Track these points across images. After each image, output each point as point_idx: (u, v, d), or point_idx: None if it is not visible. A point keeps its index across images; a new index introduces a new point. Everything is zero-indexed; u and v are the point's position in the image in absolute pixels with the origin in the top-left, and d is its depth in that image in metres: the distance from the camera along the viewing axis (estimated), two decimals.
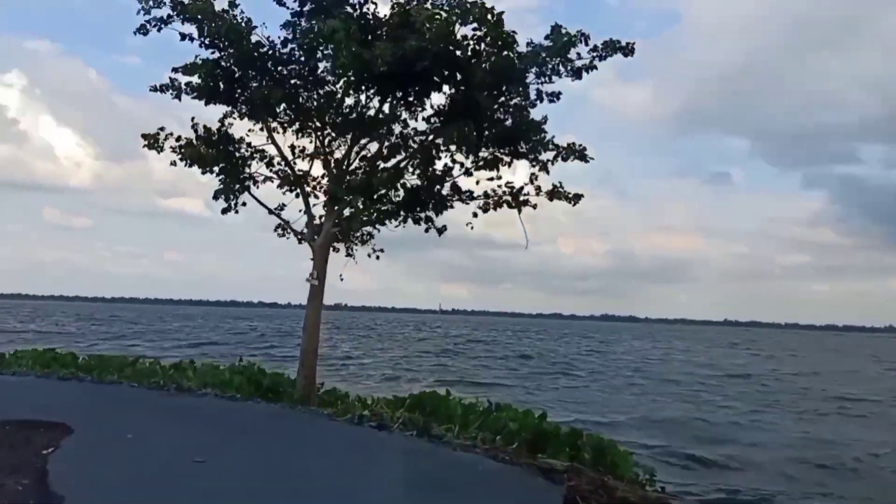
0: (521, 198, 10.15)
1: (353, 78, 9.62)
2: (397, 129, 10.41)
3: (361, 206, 10.83)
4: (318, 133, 11.28)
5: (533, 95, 9.81)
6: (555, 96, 9.90)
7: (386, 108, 10.58)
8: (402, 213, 10.54)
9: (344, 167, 10.86)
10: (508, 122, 9.89)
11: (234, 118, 11.35)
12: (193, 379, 12.14)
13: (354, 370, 32.98)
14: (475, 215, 10.36)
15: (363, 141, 11.08)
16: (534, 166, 10.16)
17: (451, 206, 10.58)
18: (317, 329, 11.63)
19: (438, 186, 10.31)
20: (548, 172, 10.20)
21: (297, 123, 11.24)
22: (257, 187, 11.71)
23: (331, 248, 11.39)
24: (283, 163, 11.60)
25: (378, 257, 12.15)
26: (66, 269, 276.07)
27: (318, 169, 11.74)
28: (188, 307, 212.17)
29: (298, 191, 11.61)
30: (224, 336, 61.34)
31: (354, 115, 10.75)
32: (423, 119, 10.22)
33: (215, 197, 11.44)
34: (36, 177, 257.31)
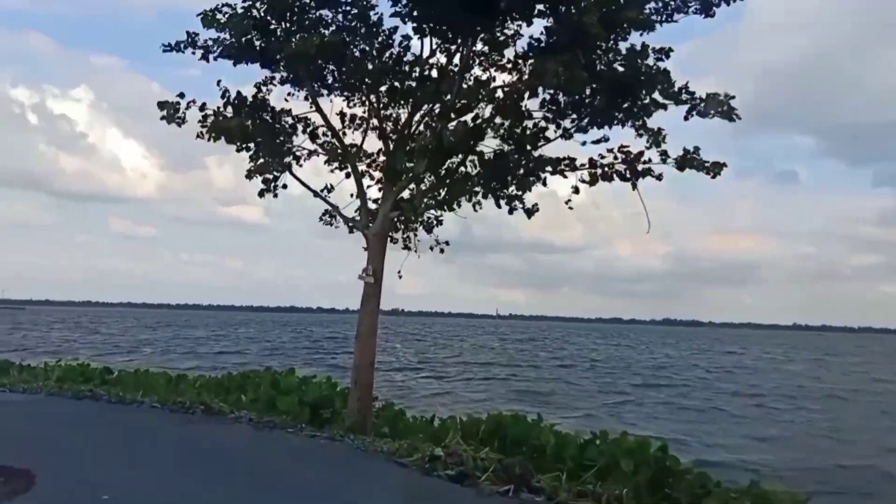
0: (640, 166, 7.61)
1: (417, 14, 7.36)
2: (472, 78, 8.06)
3: (427, 184, 8.55)
4: (372, 96, 9.08)
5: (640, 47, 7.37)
6: (664, 54, 7.38)
7: (457, 59, 8.31)
8: (479, 188, 8.20)
9: (405, 133, 8.60)
10: (621, 71, 7.43)
11: (275, 84, 9.32)
12: (225, 398, 10.17)
13: (412, 380, 30.06)
14: (576, 191, 7.89)
15: (427, 106, 8.83)
16: (641, 134, 7.64)
17: (543, 179, 8.17)
18: (372, 337, 9.43)
19: (528, 150, 7.89)
20: (659, 142, 7.65)
21: (345, 85, 9.06)
22: (300, 165, 9.61)
23: (388, 239, 9.18)
24: (329, 134, 9.44)
25: (442, 250, 9.85)
26: (132, 276, 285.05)
27: (372, 143, 9.56)
28: (248, 313, 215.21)
29: (349, 168, 9.42)
30: (276, 342, 56.92)
31: (417, 70, 8.54)
32: (510, 60, 7.84)
33: (249, 176, 9.40)
34: (104, 188, 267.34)
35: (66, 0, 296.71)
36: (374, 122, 9.22)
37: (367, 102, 9.25)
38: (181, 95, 9.09)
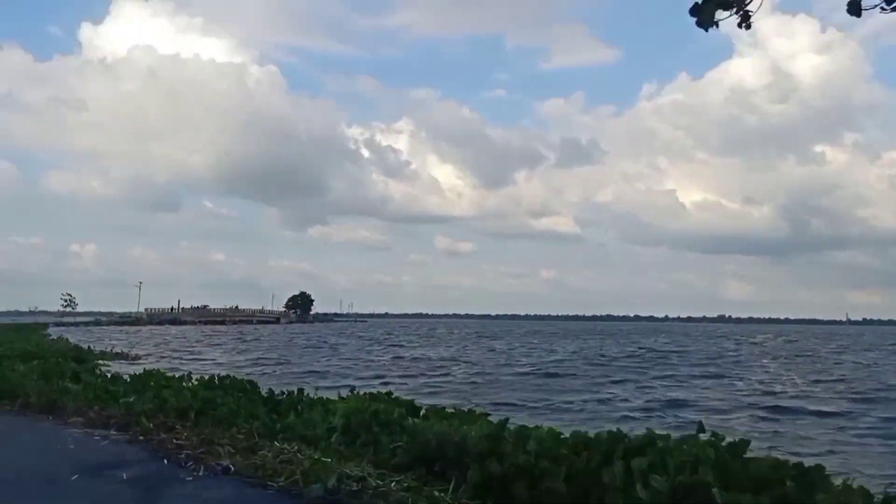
0: None
1: None
2: None
3: None
4: None
5: None
6: None
7: None
8: None
9: None
10: None
11: None
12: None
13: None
14: None
15: None
16: None
17: None
18: None
19: None
20: None
21: None
22: None
23: None
24: None
25: None
26: (456, 290, 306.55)
27: None
28: (564, 322, 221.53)
29: None
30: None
31: None
32: None
33: None
34: (427, 209, 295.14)
35: (387, 43, 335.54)
36: None
37: None
38: None
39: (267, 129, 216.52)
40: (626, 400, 18.17)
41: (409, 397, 8.56)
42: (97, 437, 6.99)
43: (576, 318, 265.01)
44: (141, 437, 6.85)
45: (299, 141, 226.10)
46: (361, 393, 8.64)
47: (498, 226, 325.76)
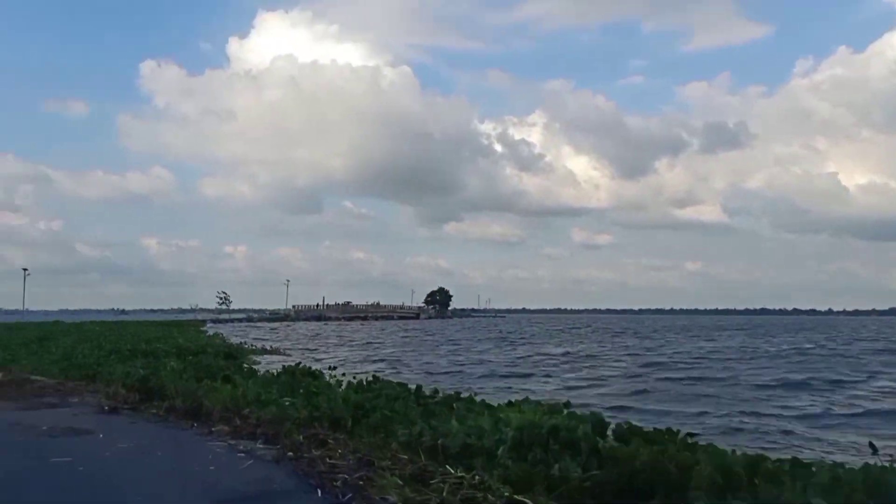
0: None
1: None
2: None
3: None
4: None
5: None
6: None
7: None
8: None
9: None
10: None
11: None
12: None
13: None
14: None
15: None
16: None
17: None
18: None
19: None
20: None
21: None
22: None
23: None
24: None
25: None
26: (595, 284, 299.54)
27: None
28: (714, 316, 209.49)
29: None
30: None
31: None
32: None
33: None
34: (562, 202, 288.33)
35: (518, 36, 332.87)
36: None
37: None
38: None
39: (401, 129, 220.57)
40: None
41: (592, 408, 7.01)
42: (241, 454, 5.96)
43: (726, 312, 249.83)
44: (290, 454, 5.88)
45: (433, 139, 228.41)
46: (536, 401, 7.18)
47: (638, 217, 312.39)
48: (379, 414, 6.74)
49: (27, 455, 5.76)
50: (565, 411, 6.54)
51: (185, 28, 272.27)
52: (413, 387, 8.49)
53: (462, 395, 8.05)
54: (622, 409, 14.47)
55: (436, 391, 8.25)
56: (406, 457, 5.48)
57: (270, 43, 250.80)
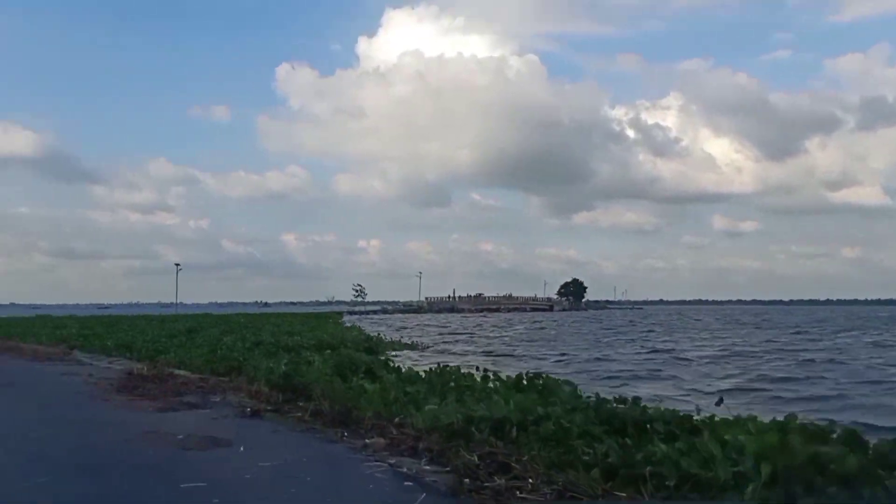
0: None
1: None
2: None
3: None
4: None
5: None
6: None
7: None
8: None
9: None
10: None
11: None
12: None
13: None
14: None
15: None
16: None
17: None
18: None
19: None
20: None
21: None
22: None
23: None
24: None
25: None
26: (739, 273, 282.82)
27: None
28: (877, 307, 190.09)
29: None
30: None
31: None
32: None
33: None
34: (701, 188, 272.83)
35: (649, 16, 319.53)
36: None
37: None
38: None
39: (528, 119, 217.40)
40: None
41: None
42: (408, 482, 4.63)
43: (891, 302, 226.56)
44: (466, 480, 4.66)
45: (561, 127, 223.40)
46: (792, 421, 5.23)
47: (786, 201, 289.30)
48: (551, 423, 5.38)
49: (156, 477, 4.76)
50: (833, 434, 4.72)
51: (316, 30, 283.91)
52: (592, 396, 6.64)
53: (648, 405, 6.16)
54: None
55: (616, 398, 6.47)
56: (603, 488, 4.26)
57: (398, 40, 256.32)
